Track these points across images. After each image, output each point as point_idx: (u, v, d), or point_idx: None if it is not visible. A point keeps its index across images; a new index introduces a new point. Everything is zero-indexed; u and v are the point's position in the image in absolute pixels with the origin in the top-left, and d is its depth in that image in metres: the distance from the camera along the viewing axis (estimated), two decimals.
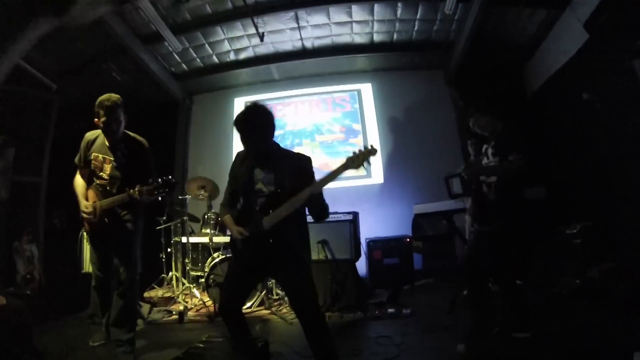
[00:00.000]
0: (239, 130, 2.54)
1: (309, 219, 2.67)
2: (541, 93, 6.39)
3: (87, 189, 3.36)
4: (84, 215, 3.25)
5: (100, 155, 3.31)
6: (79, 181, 3.40)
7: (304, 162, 2.64)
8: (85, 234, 3.46)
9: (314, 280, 2.55)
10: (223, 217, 2.74)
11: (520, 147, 3.16)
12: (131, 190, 3.09)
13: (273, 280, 4.83)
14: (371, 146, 2.44)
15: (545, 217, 5.10)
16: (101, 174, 3.31)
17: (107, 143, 3.33)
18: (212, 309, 4.60)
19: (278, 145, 2.72)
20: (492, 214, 3.21)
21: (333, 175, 2.45)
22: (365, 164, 2.44)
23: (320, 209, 2.58)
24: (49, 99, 6.25)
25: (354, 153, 2.45)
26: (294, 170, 2.55)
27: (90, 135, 3.41)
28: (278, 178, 2.55)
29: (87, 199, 3.31)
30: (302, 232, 2.65)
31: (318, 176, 2.54)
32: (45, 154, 6.20)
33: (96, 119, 3.23)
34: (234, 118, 2.59)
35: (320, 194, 2.51)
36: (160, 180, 3.09)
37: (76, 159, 3.45)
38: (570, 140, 5.68)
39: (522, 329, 3.15)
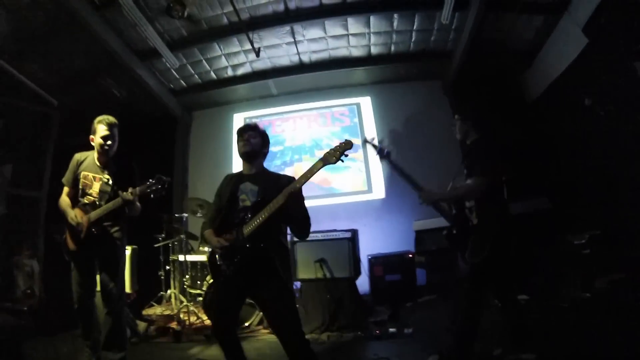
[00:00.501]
0: (251, 129, 2.73)
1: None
2: (543, 99, 6.33)
3: (73, 209, 3.35)
4: (73, 222, 3.23)
5: (90, 174, 3.37)
6: (64, 199, 3.43)
7: (288, 180, 2.65)
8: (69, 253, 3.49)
9: (296, 303, 2.57)
10: (204, 233, 2.73)
11: (488, 165, 2.97)
12: (124, 193, 3.14)
13: None
14: (346, 140, 2.44)
15: (550, 227, 4.99)
16: (90, 191, 3.34)
17: (97, 162, 3.40)
18: (209, 327, 4.51)
19: (266, 168, 2.85)
20: (478, 241, 3.00)
21: (312, 172, 2.44)
22: (343, 157, 2.43)
23: (300, 213, 2.56)
24: (48, 114, 6.30)
25: (331, 148, 2.46)
26: (277, 185, 2.56)
27: (79, 155, 3.48)
28: (261, 190, 2.61)
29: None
30: (282, 252, 2.63)
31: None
32: (45, 169, 6.21)
33: (92, 136, 3.35)
34: (243, 125, 2.78)
35: (300, 195, 2.50)
36: (151, 179, 3.16)
37: (64, 179, 3.48)
38: (574, 146, 5.59)
39: (527, 349, 2.98)
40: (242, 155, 2.75)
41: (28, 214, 5.94)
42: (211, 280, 4.69)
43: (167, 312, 5.31)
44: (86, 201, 3.33)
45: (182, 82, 7.30)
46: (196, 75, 7.16)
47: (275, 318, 2.50)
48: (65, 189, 3.47)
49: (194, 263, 5.37)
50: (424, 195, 3.17)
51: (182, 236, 5.30)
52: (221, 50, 6.53)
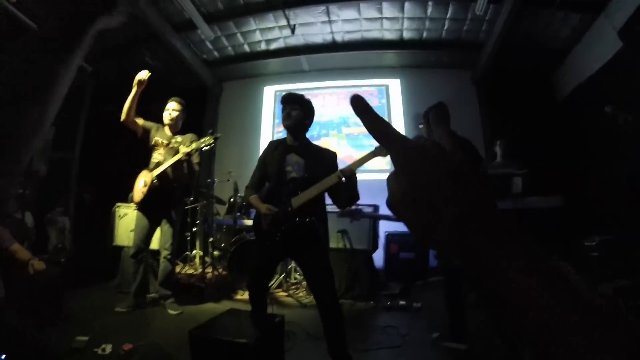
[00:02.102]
0: (293, 101, 2.85)
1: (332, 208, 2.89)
2: (570, 99, 6.29)
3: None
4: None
5: (160, 139, 4.06)
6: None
7: (331, 155, 2.89)
8: (133, 208, 4.30)
9: (332, 268, 2.71)
10: (248, 197, 2.90)
11: None
12: (182, 147, 3.84)
13: (292, 265, 5.02)
14: None
15: (561, 226, 5.06)
16: (159, 150, 4.05)
17: (167, 132, 4.14)
18: (231, 287, 4.81)
19: (308, 139, 2.97)
20: None
21: (363, 160, 2.63)
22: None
23: (353, 192, 2.72)
24: (84, 80, 6.49)
25: None
26: (322, 160, 2.80)
27: (155, 125, 4.19)
28: (308, 165, 2.78)
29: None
30: (324, 219, 2.83)
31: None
32: (78, 132, 6.51)
33: (164, 112, 4.17)
34: (287, 95, 2.90)
35: (354, 178, 2.65)
36: (205, 136, 3.89)
37: (143, 122, 4.08)
38: (595, 150, 5.55)
39: (457, 338, 3.14)
40: (285, 127, 2.88)
41: (60, 174, 6.25)
42: (235, 244, 4.94)
43: (190, 271, 5.60)
44: (154, 160, 4.00)
45: (215, 53, 7.48)
46: (230, 47, 7.32)
47: (315, 280, 2.71)
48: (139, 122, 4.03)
49: (219, 226, 5.70)
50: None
51: (211, 199, 5.57)
52: (256, 25, 6.66)
